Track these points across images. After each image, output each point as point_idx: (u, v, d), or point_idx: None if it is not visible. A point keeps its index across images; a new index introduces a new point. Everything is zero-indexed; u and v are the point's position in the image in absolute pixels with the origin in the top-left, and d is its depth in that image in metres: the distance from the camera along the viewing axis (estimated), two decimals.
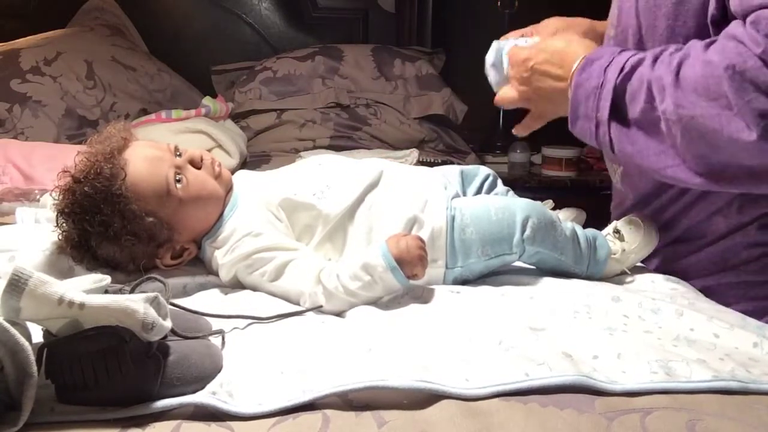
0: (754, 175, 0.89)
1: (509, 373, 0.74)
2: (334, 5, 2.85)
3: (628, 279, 1.08)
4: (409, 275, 0.95)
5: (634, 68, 0.94)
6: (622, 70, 0.95)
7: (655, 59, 0.93)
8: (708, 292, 1.05)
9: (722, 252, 1.06)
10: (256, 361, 0.78)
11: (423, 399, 0.71)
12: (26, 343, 0.64)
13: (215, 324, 0.86)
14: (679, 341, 0.85)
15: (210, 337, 0.81)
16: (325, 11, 2.84)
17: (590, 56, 0.99)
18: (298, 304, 0.98)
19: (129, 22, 2.65)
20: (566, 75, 1.02)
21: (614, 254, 1.08)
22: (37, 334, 0.70)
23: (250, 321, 0.89)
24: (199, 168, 1.07)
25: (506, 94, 1.13)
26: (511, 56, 1.11)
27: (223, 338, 0.82)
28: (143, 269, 1.01)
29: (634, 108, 0.94)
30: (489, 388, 0.72)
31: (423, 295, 0.97)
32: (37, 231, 1.12)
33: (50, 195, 1.06)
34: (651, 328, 0.88)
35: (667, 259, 1.12)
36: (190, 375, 0.71)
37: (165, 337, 0.71)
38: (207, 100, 2.10)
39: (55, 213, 1.02)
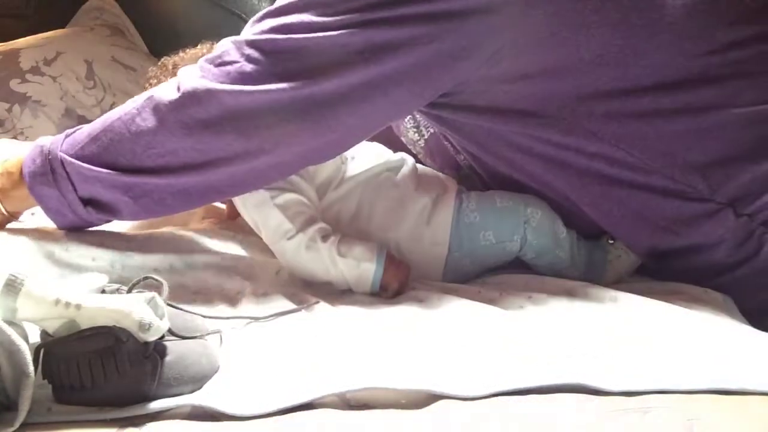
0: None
1: (508, 373, 0.74)
2: None
3: (628, 281, 1.08)
4: (384, 283, 0.98)
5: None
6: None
7: None
8: None
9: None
10: (253, 361, 0.78)
11: (422, 399, 0.70)
12: (23, 344, 0.64)
13: (213, 324, 0.85)
14: (678, 342, 0.84)
15: (207, 337, 0.81)
16: None
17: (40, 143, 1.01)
18: (280, 239, 1.00)
19: (129, 22, 2.65)
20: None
21: (614, 257, 1.08)
22: (34, 335, 0.70)
23: (248, 321, 0.89)
24: None
25: None
26: None
27: (220, 338, 0.82)
28: None
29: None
30: (488, 388, 0.72)
31: (422, 296, 0.97)
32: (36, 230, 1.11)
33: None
34: (650, 328, 0.88)
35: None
36: (187, 375, 0.71)
37: (162, 337, 0.70)
38: None
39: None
